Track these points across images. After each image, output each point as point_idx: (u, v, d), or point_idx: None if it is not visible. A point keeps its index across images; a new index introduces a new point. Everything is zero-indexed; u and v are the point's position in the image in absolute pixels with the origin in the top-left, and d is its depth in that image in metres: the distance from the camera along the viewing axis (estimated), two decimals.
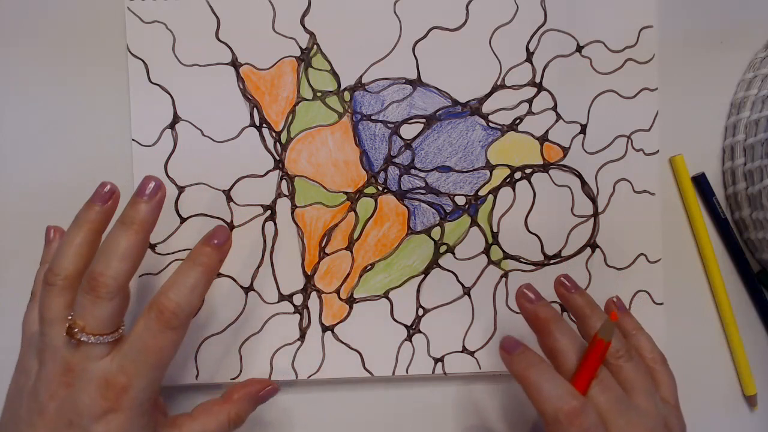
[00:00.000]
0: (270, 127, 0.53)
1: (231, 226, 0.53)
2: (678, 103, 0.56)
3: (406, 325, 0.54)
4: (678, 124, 0.56)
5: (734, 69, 0.57)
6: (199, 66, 0.53)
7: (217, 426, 0.46)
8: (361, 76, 0.53)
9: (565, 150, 0.54)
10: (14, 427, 0.42)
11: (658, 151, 0.54)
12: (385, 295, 0.54)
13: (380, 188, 0.54)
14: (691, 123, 0.56)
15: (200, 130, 0.53)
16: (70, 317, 0.41)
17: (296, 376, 0.53)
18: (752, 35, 0.57)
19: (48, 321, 0.41)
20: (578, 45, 0.54)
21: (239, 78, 0.53)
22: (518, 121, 0.54)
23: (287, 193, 0.53)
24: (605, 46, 0.54)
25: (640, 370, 0.46)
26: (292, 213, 0.53)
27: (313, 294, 0.53)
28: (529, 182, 0.54)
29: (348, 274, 0.54)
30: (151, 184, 0.43)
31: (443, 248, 0.54)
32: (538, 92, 0.54)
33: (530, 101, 0.54)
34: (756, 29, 0.57)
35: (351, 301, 0.54)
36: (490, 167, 0.54)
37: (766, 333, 0.57)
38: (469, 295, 0.54)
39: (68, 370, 0.40)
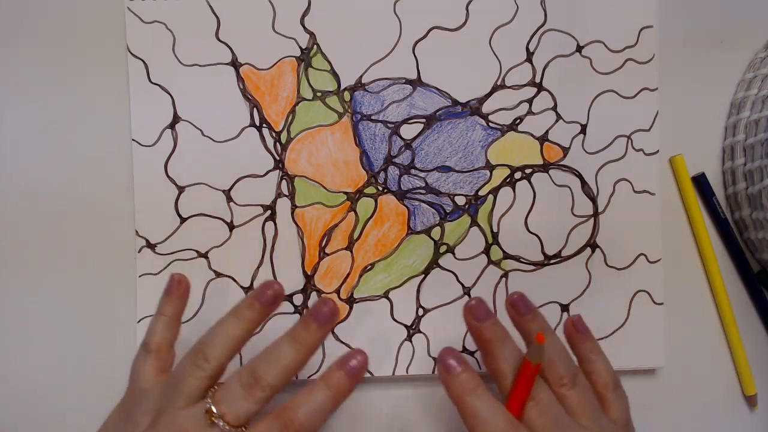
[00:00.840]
0: (270, 127, 0.53)
1: (231, 226, 0.53)
2: (678, 103, 0.56)
3: (406, 325, 0.54)
4: (678, 124, 0.56)
5: (734, 69, 0.57)
6: (199, 66, 0.53)
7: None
8: (361, 76, 0.53)
9: (565, 150, 0.54)
10: None
11: (658, 151, 0.54)
12: (385, 295, 0.54)
13: (380, 188, 0.54)
14: (691, 123, 0.56)
15: (200, 130, 0.53)
16: (210, 394, 0.42)
17: (296, 377, 0.53)
18: (752, 35, 0.57)
19: (183, 393, 0.42)
20: (578, 45, 0.54)
21: (239, 78, 0.53)
22: (518, 121, 0.54)
23: (287, 193, 0.53)
24: (605, 46, 0.54)
25: (585, 396, 0.45)
26: (292, 213, 0.53)
27: (313, 294, 0.53)
28: (529, 182, 0.54)
29: (348, 274, 0.54)
30: (326, 310, 0.43)
31: (443, 248, 0.54)
32: (538, 92, 0.54)
33: (530, 101, 0.54)
34: (756, 29, 0.57)
35: (351, 301, 0.54)
36: (490, 167, 0.54)
37: (766, 333, 0.57)
38: (469, 295, 0.54)
39: None
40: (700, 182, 0.56)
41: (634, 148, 0.54)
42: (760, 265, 0.57)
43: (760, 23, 0.57)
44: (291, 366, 0.42)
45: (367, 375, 0.53)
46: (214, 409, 0.41)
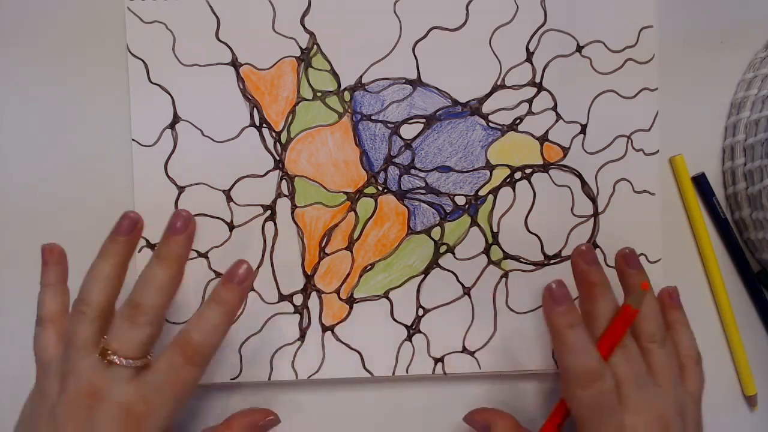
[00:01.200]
0: (270, 127, 0.53)
1: (231, 226, 0.53)
2: (678, 103, 0.56)
3: (406, 325, 0.54)
4: (678, 124, 0.56)
5: (734, 69, 0.57)
6: (199, 66, 0.53)
7: None
8: (361, 76, 0.53)
9: (565, 150, 0.54)
10: None
11: (658, 151, 0.54)
12: (385, 295, 0.54)
13: (380, 188, 0.54)
14: (691, 123, 0.56)
15: (200, 130, 0.53)
16: (103, 340, 0.43)
17: (296, 376, 0.53)
18: (752, 35, 0.57)
19: (76, 347, 0.43)
20: (578, 45, 0.54)
21: (239, 78, 0.53)
22: (518, 121, 0.54)
23: (287, 193, 0.53)
24: (605, 46, 0.54)
25: (669, 359, 0.48)
26: (292, 213, 0.53)
27: (313, 294, 0.53)
28: (529, 182, 0.54)
29: (348, 274, 0.54)
30: (181, 219, 0.45)
31: (443, 248, 0.54)
32: (538, 92, 0.54)
33: (530, 101, 0.54)
34: (756, 29, 0.57)
35: (351, 301, 0.54)
36: (490, 167, 0.54)
37: (766, 333, 0.57)
38: (469, 295, 0.54)
39: (92, 392, 0.42)
40: (700, 182, 0.56)
41: (634, 148, 0.54)
42: (760, 265, 0.57)
43: (760, 23, 0.57)
44: (165, 284, 0.44)
45: (367, 375, 0.53)
46: (108, 349, 0.42)
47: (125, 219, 0.46)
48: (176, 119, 0.53)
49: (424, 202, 0.54)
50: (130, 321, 0.43)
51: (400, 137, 0.54)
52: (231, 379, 0.53)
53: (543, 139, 0.54)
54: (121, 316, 0.43)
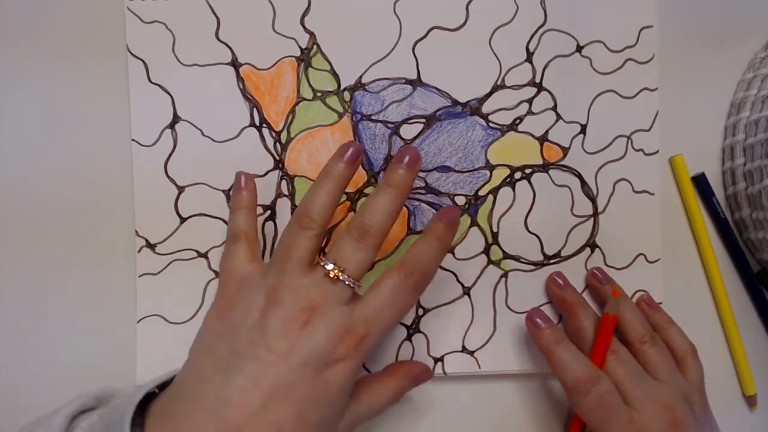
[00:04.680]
0: (270, 127, 0.53)
1: None
2: (678, 103, 0.56)
3: (406, 325, 0.54)
4: (678, 124, 0.56)
5: (734, 69, 0.57)
6: (199, 66, 0.53)
7: (386, 400, 0.47)
8: (361, 76, 0.53)
9: (565, 150, 0.54)
10: (232, 360, 0.42)
11: (657, 151, 0.55)
12: None
13: None
14: (691, 123, 0.56)
15: (200, 130, 0.53)
16: (322, 258, 0.43)
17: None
18: (752, 35, 0.57)
19: (296, 260, 0.44)
20: (578, 45, 0.54)
21: (239, 78, 0.53)
22: (518, 121, 0.54)
23: (287, 193, 0.53)
24: (605, 46, 0.54)
25: (663, 355, 0.50)
26: (292, 213, 0.53)
27: None
28: (529, 182, 0.54)
29: None
30: (411, 153, 0.46)
31: None
32: (538, 92, 0.54)
33: (530, 101, 0.54)
34: (756, 29, 0.57)
35: None
36: (490, 167, 0.54)
37: (766, 333, 0.57)
38: (469, 295, 0.54)
39: (310, 308, 0.42)
40: (700, 182, 0.56)
41: (634, 148, 0.54)
42: (760, 265, 0.57)
43: (760, 23, 0.57)
44: (392, 209, 0.45)
45: (364, 371, 0.53)
46: (334, 266, 0.43)
47: (350, 146, 0.46)
48: (176, 119, 0.53)
49: (424, 202, 0.54)
50: (359, 242, 0.43)
51: (400, 137, 0.54)
52: None
53: (543, 139, 0.54)
54: (349, 236, 0.44)
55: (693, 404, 0.49)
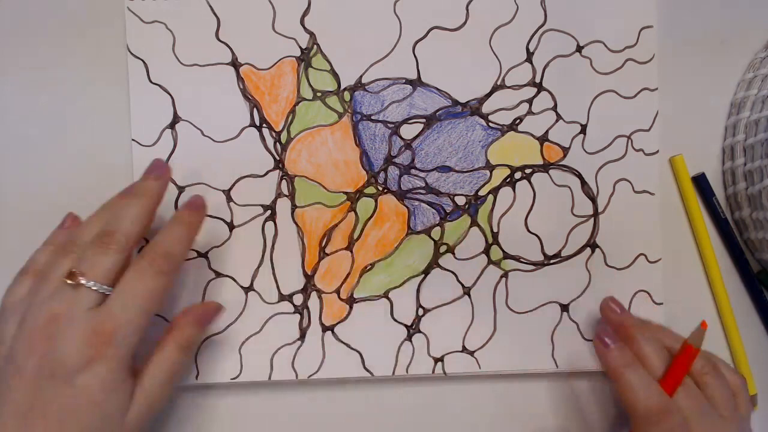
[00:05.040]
0: (270, 127, 0.53)
1: (231, 226, 0.53)
2: (678, 103, 0.56)
3: (406, 325, 0.54)
4: (678, 124, 0.56)
5: (734, 69, 0.57)
6: (199, 66, 0.53)
7: (171, 363, 0.45)
8: (361, 76, 0.53)
9: (565, 150, 0.54)
10: None
11: (658, 151, 0.54)
12: (385, 295, 0.54)
13: (380, 188, 0.54)
14: (691, 123, 0.56)
15: (200, 130, 0.53)
16: (67, 269, 0.42)
17: (296, 376, 0.53)
18: (752, 35, 0.57)
19: (46, 277, 0.43)
20: (578, 45, 0.54)
21: (239, 78, 0.53)
22: (518, 121, 0.54)
23: (287, 193, 0.53)
24: (605, 46, 0.54)
25: (725, 389, 0.49)
26: (292, 213, 0.53)
27: (313, 294, 0.53)
28: (529, 182, 0.54)
29: (348, 274, 0.54)
30: (159, 168, 0.48)
31: (443, 248, 0.54)
32: (538, 92, 0.54)
33: (530, 101, 0.54)
34: (756, 29, 0.57)
35: (351, 301, 0.54)
36: (490, 167, 0.54)
37: (766, 333, 0.57)
38: (469, 295, 0.54)
39: (53, 320, 0.40)
40: (700, 182, 0.56)
41: (634, 148, 0.54)
42: (760, 265, 0.57)
43: (760, 23, 0.57)
44: (138, 213, 0.44)
45: (368, 375, 0.53)
46: (76, 272, 0.41)
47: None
48: (176, 119, 0.53)
49: (424, 202, 0.54)
50: (101, 246, 0.42)
51: (400, 137, 0.54)
52: (231, 379, 0.53)
53: (543, 139, 0.54)
54: (91, 243, 0.43)
55: None
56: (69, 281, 0.41)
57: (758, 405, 0.57)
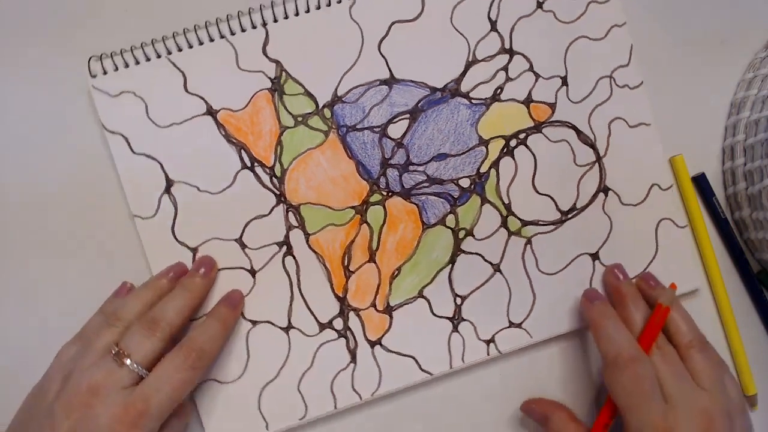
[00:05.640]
0: (262, 165, 0.53)
1: (253, 272, 0.52)
2: (678, 103, 0.56)
3: (448, 318, 0.54)
4: (678, 124, 0.56)
5: (734, 69, 0.57)
6: (177, 124, 0.52)
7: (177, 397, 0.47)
8: (336, 90, 0.53)
9: (553, 106, 0.54)
10: None
11: (642, 83, 0.55)
12: (420, 295, 0.54)
13: (384, 193, 0.53)
14: (691, 123, 0.56)
15: (196, 186, 0.52)
16: (114, 345, 0.46)
17: (360, 398, 0.52)
18: (752, 35, 0.57)
19: (91, 345, 0.47)
20: (538, 1, 0.54)
21: (219, 125, 0.52)
22: (499, 90, 0.54)
23: (296, 224, 0.53)
24: None
25: (711, 363, 0.48)
26: (307, 241, 0.53)
27: (351, 314, 0.53)
28: (526, 146, 0.54)
29: (378, 286, 0.53)
30: (205, 265, 0.51)
31: (462, 233, 0.54)
32: (511, 57, 0.54)
33: (506, 68, 0.54)
34: (756, 29, 0.57)
35: (389, 310, 0.53)
36: (485, 143, 0.54)
37: (766, 333, 0.57)
38: (500, 271, 0.54)
39: (94, 391, 0.44)
40: (700, 182, 0.56)
41: (618, 85, 0.55)
42: (760, 265, 0.57)
43: (760, 23, 0.57)
44: (183, 306, 0.49)
45: (427, 376, 0.53)
46: (123, 351, 0.45)
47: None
48: (170, 183, 0.52)
49: (430, 194, 0.54)
50: (148, 331, 0.46)
51: (390, 138, 0.54)
52: (299, 420, 0.52)
53: (528, 101, 0.54)
54: (139, 325, 0.47)
55: (734, 421, 0.46)
56: (115, 358, 0.45)
57: (758, 405, 0.56)
